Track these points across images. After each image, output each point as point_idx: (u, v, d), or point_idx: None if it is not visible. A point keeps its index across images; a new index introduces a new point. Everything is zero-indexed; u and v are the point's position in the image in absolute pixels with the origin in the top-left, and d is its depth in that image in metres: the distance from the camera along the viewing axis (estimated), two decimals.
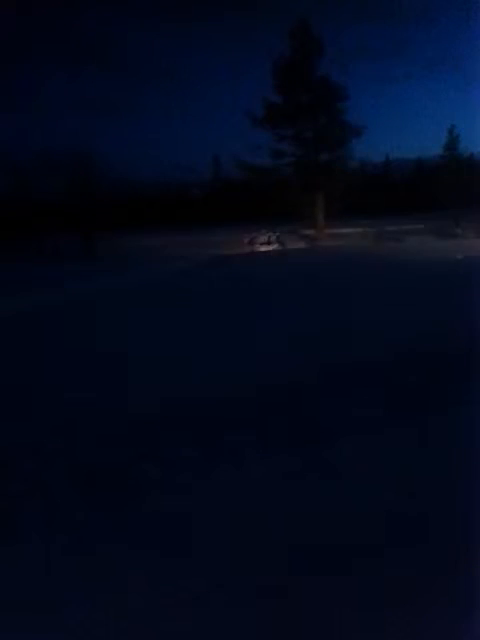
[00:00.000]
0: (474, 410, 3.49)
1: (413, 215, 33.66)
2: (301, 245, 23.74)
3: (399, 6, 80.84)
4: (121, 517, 2.57)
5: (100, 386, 4.62)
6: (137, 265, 17.49)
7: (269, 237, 23.59)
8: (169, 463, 3.07)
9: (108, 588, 2.07)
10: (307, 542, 2.25)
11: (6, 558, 2.29)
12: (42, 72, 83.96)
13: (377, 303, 7.76)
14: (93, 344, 6.34)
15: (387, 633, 1.79)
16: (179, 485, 2.84)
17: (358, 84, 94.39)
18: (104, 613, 1.93)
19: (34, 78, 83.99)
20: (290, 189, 25.67)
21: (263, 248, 22.39)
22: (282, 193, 25.57)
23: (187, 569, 2.15)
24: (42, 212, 28.30)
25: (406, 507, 2.48)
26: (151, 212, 39.79)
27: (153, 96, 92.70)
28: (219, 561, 2.20)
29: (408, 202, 39.30)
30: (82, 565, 2.21)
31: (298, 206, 25.78)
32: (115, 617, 1.92)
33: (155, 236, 29.66)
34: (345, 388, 4.18)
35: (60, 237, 25.78)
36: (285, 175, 27.04)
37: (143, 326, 7.31)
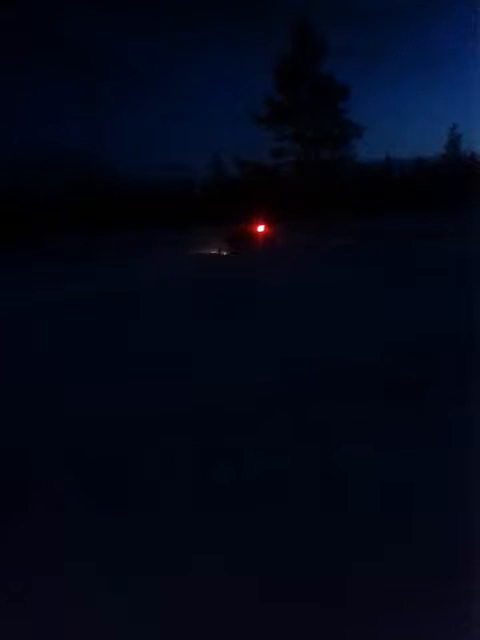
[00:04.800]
0: None
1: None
2: None
3: (400, 5, 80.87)
4: None
5: None
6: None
7: None
8: None
9: None
10: None
11: None
12: (43, 72, 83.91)
13: None
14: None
15: None
16: None
17: (358, 83, 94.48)
18: None
19: (34, 78, 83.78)
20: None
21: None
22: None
23: None
24: (42, 210, 28.34)
25: None
26: (152, 211, 39.66)
27: (153, 95, 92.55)
28: None
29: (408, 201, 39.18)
30: None
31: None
32: None
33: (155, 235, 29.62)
34: None
35: (60, 236, 25.82)
36: (286, 174, 27.05)
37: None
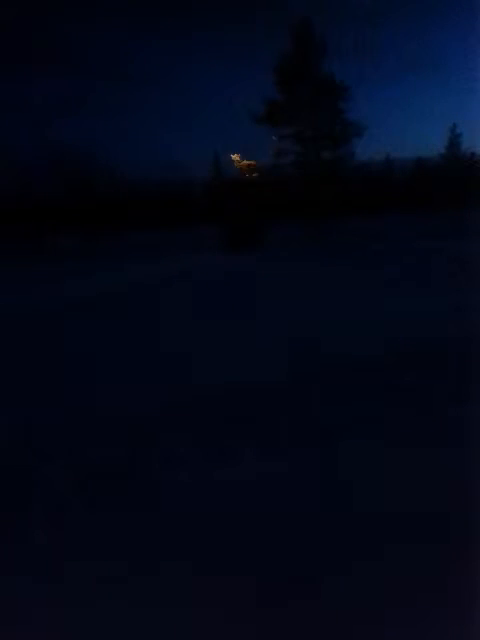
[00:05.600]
0: None
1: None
2: None
3: (400, 5, 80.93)
4: None
5: None
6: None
7: None
8: None
9: None
10: None
11: None
12: (42, 73, 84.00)
13: None
14: None
15: None
16: None
17: (358, 83, 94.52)
18: None
19: (34, 79, 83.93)
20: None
21: None
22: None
23: None
24: (42, 211, 28.32)
25: None
26: (152, 211, 39.71)
27: (153, 95, 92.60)
28: None
29: (408, 201, 39.21)
30: None
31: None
32: None
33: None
34: None
35: (60, 236, 25.83)
36: (286, 174, 26.99)
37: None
